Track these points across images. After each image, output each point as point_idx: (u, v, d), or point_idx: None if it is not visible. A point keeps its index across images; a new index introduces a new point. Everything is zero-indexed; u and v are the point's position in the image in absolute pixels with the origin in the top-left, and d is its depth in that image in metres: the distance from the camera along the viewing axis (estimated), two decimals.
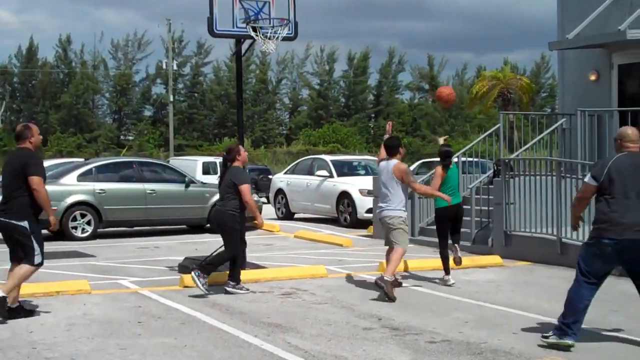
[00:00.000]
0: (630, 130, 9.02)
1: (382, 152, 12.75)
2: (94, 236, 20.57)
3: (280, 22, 13.69)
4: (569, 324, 8.80)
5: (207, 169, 34.62)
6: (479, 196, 18.59)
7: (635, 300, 11.46)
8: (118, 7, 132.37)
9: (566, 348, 8.74)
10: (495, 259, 15.80)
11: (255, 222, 12.79)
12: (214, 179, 32.32)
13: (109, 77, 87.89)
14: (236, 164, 12.67)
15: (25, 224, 10.33)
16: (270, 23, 13.72)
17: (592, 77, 20.63)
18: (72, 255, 17.27)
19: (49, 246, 19.14)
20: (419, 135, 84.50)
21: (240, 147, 13.04)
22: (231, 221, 12.40)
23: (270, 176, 37.63)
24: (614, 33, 18.68)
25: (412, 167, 34.84)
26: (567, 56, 21.63)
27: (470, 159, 20.80)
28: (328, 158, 26.41)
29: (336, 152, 60.93)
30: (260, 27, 13.65)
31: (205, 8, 13.85)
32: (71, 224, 20.40)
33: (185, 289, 12.79)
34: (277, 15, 13.94)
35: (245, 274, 13.65)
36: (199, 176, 29.77)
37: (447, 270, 13.51)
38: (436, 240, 15.17)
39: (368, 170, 25.36)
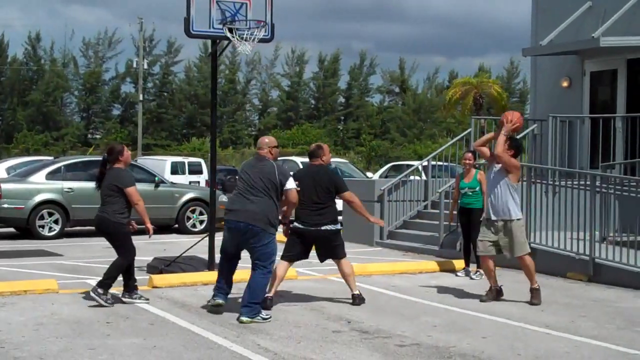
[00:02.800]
0: None
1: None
2: (61, 235, 20.50)
3: (257, 23, 13.66)
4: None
5: (176, 169, 34.59)
6: (448, 200, 18.66)
7: (604, 306, 11.62)
8: (89, 5, 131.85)
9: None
10: (464, 263, 15.87)
11: (147, 227, 11.86)
12: (183, 179, 32.50)
13: (79, 75, 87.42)
14: (118, 165, 11.64)
15: None
16: (247, 25, 13.70)
17: (564, 84, 20.84)
18: (39, 254, 17.21)
19: (16, 245, 19.19)
20: (387, 138, 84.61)
21: (124, 147, 11.98)
22: (115, 226, 11.47)
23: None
24: (588, 40, 18.87)
25: (381, 171, 34.97)
26: (540, 62, 21.83)
27: (440, 163, 20.89)
28: (299, 160, 26.45)
29: (306, 154, 60.93)
30: (237, 29, 13.63)
31: (177, 7, 13.97)
32: (38, 223, 20.32)
33: (154, 289, 12.78)
34: (253, 16, 13.93)
35: (214, 275, 13.59)
36: (167, 176, 29.74)
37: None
38: (405, 244, 15.18)
39: (339, 173, 25.34)
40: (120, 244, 11.58)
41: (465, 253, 15.17)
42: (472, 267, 14.78)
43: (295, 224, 11.56)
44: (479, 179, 14.58)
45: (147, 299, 11.66)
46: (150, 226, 11.84)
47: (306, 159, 27.48)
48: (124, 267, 11.52)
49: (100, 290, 11.20)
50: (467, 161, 14.81)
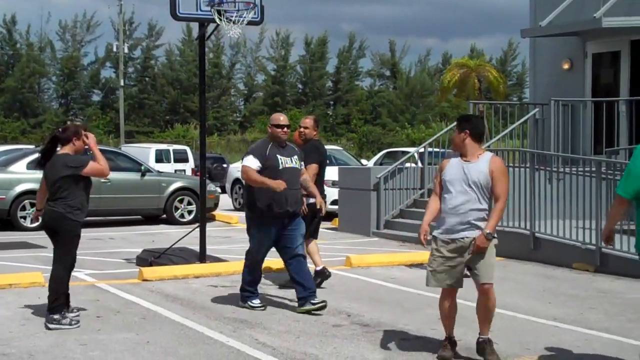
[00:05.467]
0: None
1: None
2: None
3: (246, 5, 13.53)
4: None
5: (161, 157, 34.47)
6: None
7: (612, 297, 11.62)
8: None
9: None
10: None
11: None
12: (168, 167, 32.40)
13: (56, 60, 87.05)
14: (66, 149, 10.02)
15: None
16: (235, 6, 13.58)
17: (565, 66, 20.82)
18: (21, 246, 17.14)
19: None
20: (379, 123, 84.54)
21: (83, 130, 10.32)
22: (67, 224, 9.81)
23: (224, 165, 37.61)
24: (589, 21, 18.83)
25: (375, 158, 34.92)
26: (540, 44, 21.79)
27: (437, 150, 20.87)
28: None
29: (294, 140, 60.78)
30: (225, 11, 13.53)
31: None
32: (20, 214, 20.25)
33: (144, 282, 12.73)
34: None
35: (205, 268, 13.63)
36: (152, 164, 29.62)
37: None
38: (402, 233, 14.99)
39: (332, 160, 25.30)
40: (66, 248, 9.90)
41: None
42: None
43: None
44: None
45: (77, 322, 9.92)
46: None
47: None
48: (67, 277, 9.99)
49: (56, 317, 9.68)
50: None
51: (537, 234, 15.07)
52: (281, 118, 10.99)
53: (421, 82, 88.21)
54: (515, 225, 15.63)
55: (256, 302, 10.89)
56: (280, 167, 10.62)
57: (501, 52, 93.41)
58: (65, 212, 9.77)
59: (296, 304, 10.78)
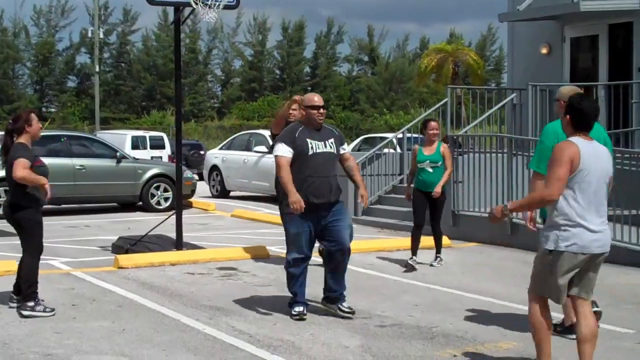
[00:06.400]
0: None
1: None
2: None
3: None
4: None
5: (137, 144, 34.35)
6: None
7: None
8: None
9: None
10: (443, 239, 15.91)
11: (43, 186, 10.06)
12: (144, 154, 32.33)
13: (31, 46, 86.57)
14: (22, 138, 10.13)
15: None
16: None
17: (544, 51, 20.89)
18: None
19: None
20: (357, 109, 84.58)
21: (33, 115, 10.35)
22: (26, 213, 10.01)
23: (202, 151, 37.57)
24: (567, 4, 18.93)
25: (353, 144, 34.94)
26: (518, 28, 21.86)
27: (415, 136, 20.91)
28: (267, 133, 26.35)
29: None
30: None
31: None
32: None
33: (120, 270, 12.73)
34: None
35: (182, 255, 13.64)
36: (128, 151, 29.51)
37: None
38: (380, 220, 15.01)
39: None
40: (29, 236, 10.07)
41: (415, 239, 13.51)
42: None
43: None
44: (442, 152, 13.24)
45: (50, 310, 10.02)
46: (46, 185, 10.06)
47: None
48: (37, 266, 10.17)
49: (30, 304, 9.76)
50: (433, 131, 13.24)
51: (514, 220, 15.15)
52: (315, 98, 9.83)
53: (400, 67, 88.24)
54: None
55: (297, 309, 9.76)
56: (310, 152, 9.55)
57: (480, 37, 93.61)
58: (20, 201, 9.96)
59: (277, 290, 10.78)
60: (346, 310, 9.75)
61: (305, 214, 9.44)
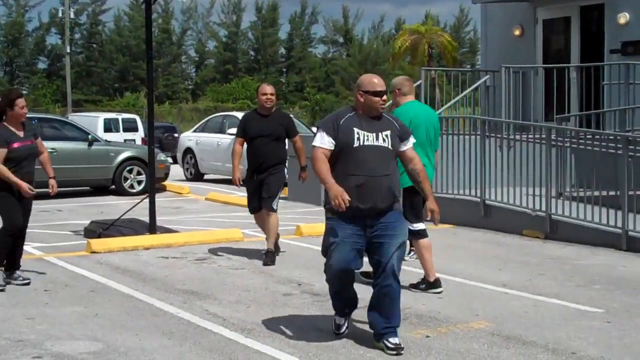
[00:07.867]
0: None
1: None
2: None
3: None
4: None
5: (109, 126, 34.25)
6: None
7: (562, 264, 11.86)
8: None
9: None
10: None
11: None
12: (117, 137, 32.27)
13: (0, 26, 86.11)
14: (5, 122, 10.38)
15: None
16: None
17: (517, 33, 21.01)
18: None
19: None
20: (332, 91, 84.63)
21: (17, 98, 10.42)
22: None
23: (176, 134, 37.57)
24: None
25: None
26: (491, 10, 21.96)
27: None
28: (240, 115, 26.36)
29: (247, 109, 60.77)
30: None
31: None
32: None
33: (92, 254, 12.75)
34: None
35: (155, 239, 13.68)
36: (100, 134, 29.44)
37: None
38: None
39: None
40: None
41: None
42: None
43: None
44: None
45: (28, 280, 10.67)
46: (23, 184, 10.30)
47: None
48: (9, 241, 10.34)
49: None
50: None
51: (487, 201, 15.28)
52: (375, 80, 8.05)
53: (374, 49, 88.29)
54: (466, 192, 15.82)
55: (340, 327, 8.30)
56: (356, 144, 7.67)
57: (454, 19, 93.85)
58: None
59: (250, 273, 10.83)
60: (391, 346, 7.68)
61: (350, 218, 7.71)
